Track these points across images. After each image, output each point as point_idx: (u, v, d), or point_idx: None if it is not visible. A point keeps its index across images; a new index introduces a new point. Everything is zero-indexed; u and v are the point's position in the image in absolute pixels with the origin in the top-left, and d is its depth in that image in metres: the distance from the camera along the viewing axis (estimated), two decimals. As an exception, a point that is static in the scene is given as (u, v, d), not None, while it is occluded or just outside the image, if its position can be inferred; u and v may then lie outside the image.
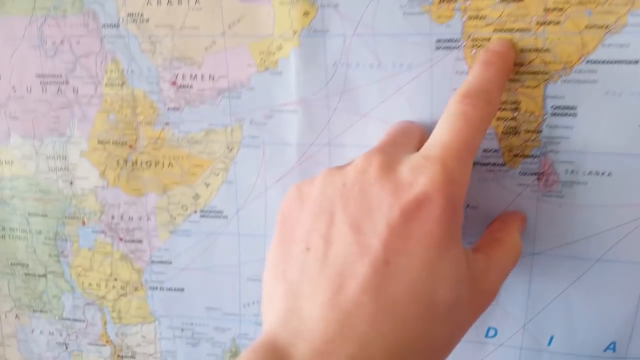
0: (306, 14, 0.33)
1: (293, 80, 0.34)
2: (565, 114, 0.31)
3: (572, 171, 0.31)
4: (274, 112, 0.35)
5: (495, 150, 0.32)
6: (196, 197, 0.38)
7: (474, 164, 0.31)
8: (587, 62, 0.30)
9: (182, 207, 0.38)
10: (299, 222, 0.27)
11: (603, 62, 0.29)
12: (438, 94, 0.32)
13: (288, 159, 0.36)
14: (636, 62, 0.29)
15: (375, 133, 0.34)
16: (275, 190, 0.37)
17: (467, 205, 0.33)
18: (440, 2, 0.31)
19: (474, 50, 0.32)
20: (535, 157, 0.31)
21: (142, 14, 0.35)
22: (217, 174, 0.37)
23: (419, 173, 0.26)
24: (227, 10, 0.34)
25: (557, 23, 0.30)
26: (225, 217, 0.38)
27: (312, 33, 0.33)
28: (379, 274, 0.24)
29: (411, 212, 0.25)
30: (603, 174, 0.31)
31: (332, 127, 0.35)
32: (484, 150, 0.32)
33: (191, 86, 0.36)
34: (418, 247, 0.25)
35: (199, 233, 0.39)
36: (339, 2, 0.33)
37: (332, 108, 0.34)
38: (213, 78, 0.36)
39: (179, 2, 0.35)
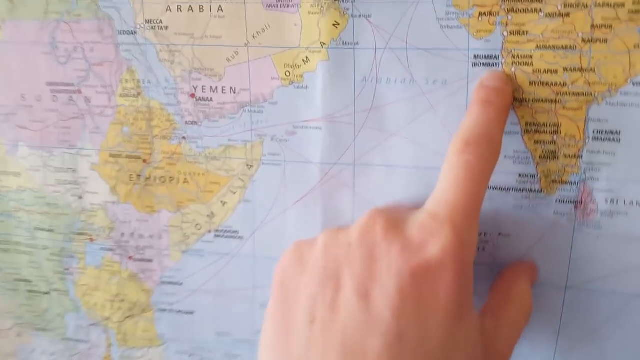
0: (336, 24, 0.32)
1: (319, 96, 0.33)
2: (608, 139, 0.29)
3: (612, 200, 0.30)
4: (297, 129, 0.34)
5: (532, 176, 0.31)
6: (211, 215, 0.36)
7: (509, 189, 0.31)
8: (635, 84, 0.28)
9: (196, 225, 0.37)
10: (300, 288, 0.25)
11: None
12: None
13: (310, 178, 0.34)
14: None
15: (405, 153, 0.32)
16: (295, 212, 0.35)
17: (499, 234, 0.31)
18: (480, 15, 0.30)
19: (513, 68, 0.30)
20: (573, 184, 0.30)
21: (161, 21, 0.34)
22: (235, 193, 0.36)
23: (429, 235, 0.24)
24: (252, 18, 0.33)
25: (605, 41, 0.28)
26: (241, 237, 0.36)
27: (341, 45, 0.32)
28: (392, 349, 0.22)
29: (423, 276, 0.23)
30: None
31: (358, 145, 0.33)
32: (520, 175, 0.31)
33: (211, 99, 0.35)
34: (433, 319, 0.23)
35: (212, 254, 0.37)
36: (371, 12, 0.31)
37: (359, 125, 0.33)
38: (234, 91, 0.34)
39: (200, 9, 0.34)
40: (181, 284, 0.38)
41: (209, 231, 0.37)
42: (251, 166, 0.35)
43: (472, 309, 0.25)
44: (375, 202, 0.33)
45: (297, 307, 0.25)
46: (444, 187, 0.26)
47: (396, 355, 0.22)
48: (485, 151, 0.26)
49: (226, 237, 0.37)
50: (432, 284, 0.23)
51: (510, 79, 0.30)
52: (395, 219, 0.26)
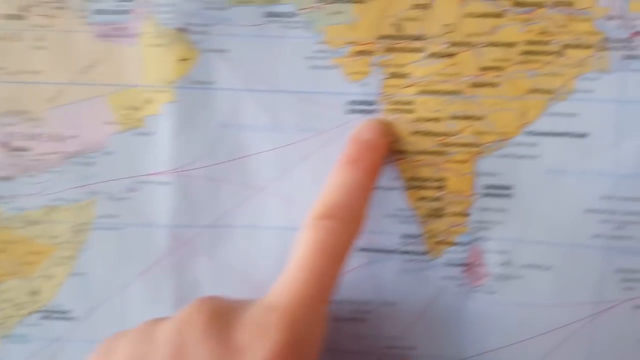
0: (184, 59, 0.29)
1: (166, 144, 0.30)
2: (500, 195, 0.28)
3: (505, 263, 0.28)
4: (140, 184, 0.31)
5: (416, 236, 0.29)
6: (35, 293, 0.32)
7: (392, 252, 0.29)
8: (527, 133, 0.27)
9: (15, 305, 0.32)
10: None
11: (546, 134, 0.27)
12: None
13: (157, 245, 0.31)
14: (583, 135, 0.27)
15: (272, 212, 0.30)
16: (140, 286, 0.31)
17: (383, 302, 0.30)
18: (355, 54, 0.28)
19: (395, 116, 0.28)
20: (462, 244, 0.29)
21: None
22: (62, 264, 0.32)
23: (258, 336, 0.22)
24: (80, 50, 0.30)
25: (494, 85, 0.28)
26: (74, 318, 0.32)
27: (191, 84, 0.29)
28: None
29: None
30: (541, 267, 0.28)
31: (218, 203, 0.30)
32: (403, 236, 0.29)
33: (28, 149, 0.31)
34: None
35: (39, 339, 0.33)
36: (227, 47, 0.29)
37: (218, 180, 0.30)
38: (59, 139, 0.31)
39: (15, 37, 0.30)
40: (1, 377, 0.34)
41: (34, 312, 0.32)
42: (81, 231, 0.32)
43: None
44: (238, 271, 0.31)
45: None
46: (288, 269, 0.24)
47: None
48: (340, 226, 0.25)
49: (55, 318, 0.32)
50: None
51: (387, 130, 0.29)
52: (224, 312, 0.23)
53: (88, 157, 0.31)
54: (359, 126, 0.28)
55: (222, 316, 0.23)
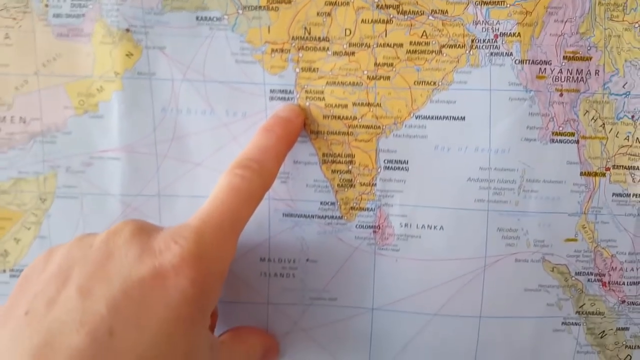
0: (129, 55, 0.33)
1: (116, 125, 0.34)
2: (398, 168, 0.33)
3: (406, 224, 0.33)
4: (94, 159, 0.35)
5: (332, 203, 0.33)
6: (5, 254, 0.36)
7: (313, 216, 0.33)
8: (417, 117, 0.32)
9: None
10: (33, 284, 0.26)
11: (432, 117, 0.32)
12: None
13: (110, 211, 0.35)
14: (462, 118, 0.32)
15: (210, 183, 0.33)
16: None
17: (307, 259, 0.34)
18: (272, 51, 0.33)
19: (308, 102, 0.33)
20: (371, 210, 0.33)
21: None
22: (29, 228, 0.35)
23: (172, 242, 0.26)
24: (42, 47, 0.34)
25: (388, 78, 0.33)
26: None
27: (136, 75, 0.33)
28: (99, 345, 0.23)
29: (153, 280, 0.24)
30: (435, 227, 0.33)
31: (161, 176, 0.34)
32: (322, 203, 0.34)
33: None
34: (153, 322, 0.24)
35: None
36: (165, 44, 0.33)
37: (161, 155, 0.34)
38: (24, 121, 0.35)
39: None
40: (-26, 328, 0.37)
41: (4, 271, 0.36)
42: (45, 200, 0.35)
43: (207, 323, 0.26)
44: None
45: (20, 301, 0.25)
46: (205, 204, 0.28)
47: (102, 353, 0.23)
48: (252, 176, 0.29)
49: None
50: (161, 289, 0.24)
51: (302, 112, 0.33)
52: (147, 227, 0.27)
53: (50, 136, 0.35)
54: (281, 106, 0.33)
55: (145, 229, 0.27)
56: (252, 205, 0.29)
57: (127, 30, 0.33)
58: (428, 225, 0.33)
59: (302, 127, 0.33)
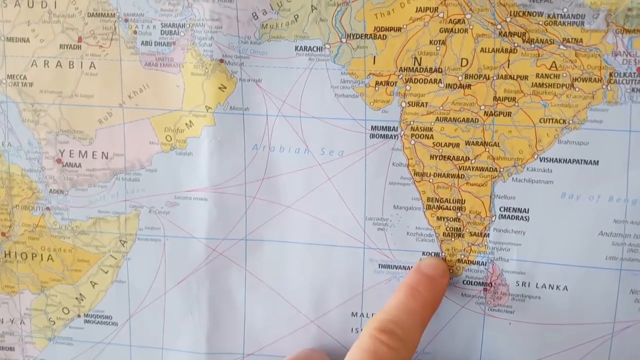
0: (222, 88, 0.32)
1: (205, 163, 0.33)
2: (516, 217, 0.30)
3: (523, 283, 0.30)
4: (180, 200, 0.34)
5: (436, 254, 0.31)
6: (80, 298, 0.35)
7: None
8: (542, 159, 0.30)
9: (62, 309, 0.36)
10: None
11: (559, 160, 0.30)
12: (372, 188, 0.32)
13: (194, 256, 0.34)
14: (596, 162, 0.29)
15: (300, 228, 0.32)
16: (176, 294, 0.34)
17: None
18: (377, 84, 0.31)
19: (413, 141, 0.31)
20: (481, 264, 0.31)
21: (25, 77, 0.34)
22: (107, 272, 0.35)
23: None
24: (128, 77, 0.33)
25: (508, 114, 0.30)
26: (115, 323, 0.35)
27: (229, 110, 0.32)
28: None
29: None
30: (558, 287, 0.30)
31: (249, 219, 0.33)
32: (424, 254, 0.32)
33: (79, 165, 0.34)
34: None
35: (83, 342, 0.36)
36: (261, 76, 0.32)
37: (250, 197, 0.33)
38: (107, 156, 0.34)
39: (70, 65, 0.33)
40: (48, 376, 0.36)
41: (78, 316, 0.36)
42: (125, 242, 0.35)
43: None
44: (268, 282, 0.33)
45: None
46: None
47: None
48: (398, 345, 0.27)
49: (98, 322, 0.36)
50: None
51: (447, 270, 0.31)
52: None
53: (133, 173, 0.34)
54: (425, 260, 0.31)
55: None
56: None
57: (221, 60, 0.32)
58: (550, 285, 0.30)
59: (446, 289, 0.31)
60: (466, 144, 0.31)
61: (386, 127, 0.31)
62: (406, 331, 0.28)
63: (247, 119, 0.32)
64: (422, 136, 0.31)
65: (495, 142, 0.30)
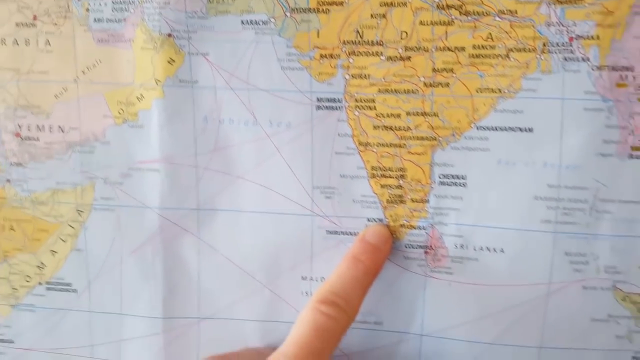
0: (171, 61, 0.32)
1: (156, 135, 0.33)
2: (455, 184, 0.31)
3: (461, 246, 0.31)
4: (133, 171, 0.34)
5: (380, 220, 0.32)
6: (41, 266, 0.36)
7: (359, 234, 0.32)
8: (478, 128, 0.30)
9: (25, 277, 0.36)
10: None
11: (495, 128, 0.30)
12: (319, 158, 0.32)
13: (148, 225, 0.34)
14: (530, 129, 0.29)
15: (252, 197, 0.33)
16: (132, 262, 0.35)
17: None
18: (321, 57, 0.31)
19: (357, 112, 0.31)
20: (422, 228, 0.31)
21: None
22: (65, 241, 0.35)
23: None
24: (82, 53, 0.33)
25: (447, 85, 0.30)
26: (75, 290, 0.36)
27: (178, 83, 0.33)
28: None
29: None
30: (495, 250, 0.31)
31: (201, 189, 0.33)
32: (368, 220, 0.32)
33: (37, 138, 0.35)
34: None
35: (45, 308, 0.36)
36: (208, 50, 0.32)
37: (201, 167, 0.33)
38: (63, 130, 0.34)
39: (26, 43, 0.34)
40: (12, 342, 0.37)
41: (40, 283, 0.36)
42: (82, 212, 0.35)
43: None
44: (222, 250, 0.34)
45: None
46: (288, 344, 0.27)
47: None
48: (338, 313, 0.28)
49: (59, 289, 0.36)
50: None
51: (390, 237, 0.31)
52: None
53: (88, 146, 0.34)
54: (369, 228, 0.31)
55: None
56: (336, 345, 0.28)
57: (169, 35, 0.32)
58: (487, 247, 0.31)
59: (389, 254, 0.31)
60: (407, 115, 0.31)
61: (331, 99, 0.31)
62: (347, 300, 0.29)
63: (196, 91, 0.32)
64: (365, 107, 0.31)
65: (434, 112, 0.30)
